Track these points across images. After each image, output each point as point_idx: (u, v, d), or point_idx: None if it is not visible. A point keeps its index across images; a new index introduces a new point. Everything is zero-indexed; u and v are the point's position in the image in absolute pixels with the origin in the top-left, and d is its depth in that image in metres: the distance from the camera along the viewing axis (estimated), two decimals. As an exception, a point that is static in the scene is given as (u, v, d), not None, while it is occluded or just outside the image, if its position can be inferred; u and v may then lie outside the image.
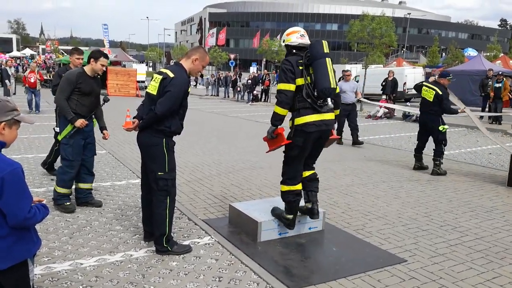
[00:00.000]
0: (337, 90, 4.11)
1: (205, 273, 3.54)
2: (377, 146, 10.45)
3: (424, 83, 7.95)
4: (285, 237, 4.35)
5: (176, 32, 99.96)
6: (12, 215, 2.08)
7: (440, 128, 7.43)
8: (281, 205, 4.61)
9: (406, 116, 16.50)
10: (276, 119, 4.01)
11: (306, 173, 4.25)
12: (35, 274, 3.24)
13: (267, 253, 4.00)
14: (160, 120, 3.69)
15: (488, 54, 39.76)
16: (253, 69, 42.50)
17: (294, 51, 4.03)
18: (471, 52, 42.33)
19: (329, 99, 3.95)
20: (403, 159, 8.82)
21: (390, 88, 17.88)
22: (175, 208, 5.01)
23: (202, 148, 9.36)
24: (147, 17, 75.57)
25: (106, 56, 4.94)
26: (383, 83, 18.38)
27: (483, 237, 4.59)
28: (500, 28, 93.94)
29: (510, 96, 16.05)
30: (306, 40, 4.06)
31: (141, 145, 3.88)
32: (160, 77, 3.71)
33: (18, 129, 2.29)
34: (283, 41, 4.17)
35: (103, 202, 5.26)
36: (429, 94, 7.46)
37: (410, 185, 6.69)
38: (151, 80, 3.87)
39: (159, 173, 3.77)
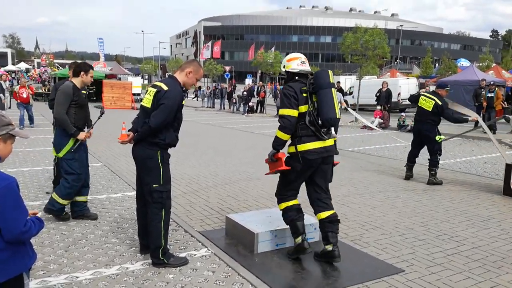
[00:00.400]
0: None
1: (202, 286, 3.51)
2: (373, 156, 10.48)
3: (421, 92, 8.03)
4: (282, 248, 4.33)
5: (171, 45, 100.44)
6: (7, 229, 2.06)
7: (437, 138, 7.49)
8: (278, 217, 4.61)
9: (401, 126, 16.59)
10: (278, 144, 3.94)
11: (325, 214, 3.96)
12: (30, 289, 3.21)
13: (265, 264, 3.98)
14: (154, 133, 3.70)
15: (480, 64, 40.16)
16: (248, 80, 42.69)
17: (296, 77, 3.99)
18: (463, 62, 42.62)
19: (332, 128, 3.98)
20: (399, 168, 8.84)
21: (385, 99, 17.97)
22: (171, 220, 5.01)
23: (198, 159, 9.34)
24: (142, 31, 75.69)
25: (93, 68, 5.07)
26: (377, 94, 18.47)
27: (480, 246, 4.59)
28: (491, 39, 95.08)
29: (503, 105, 16.18)
30: (306, 67, 4.02)
31: (136, 158, 3.88)
32: (154, 90, 3.74)
33: (13, 143, 2.28)
34: (283, 67, 4.11)
35: (99, 215, 5.23)
36: (427, 103, 7.52)
37: (406, 195, 6.71)
38: (146, 93, 3.89)
39: (153, 186, 3.77)
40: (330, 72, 3.95)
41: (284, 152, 4.06)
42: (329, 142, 3.96)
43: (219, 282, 3.58)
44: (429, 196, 6.68)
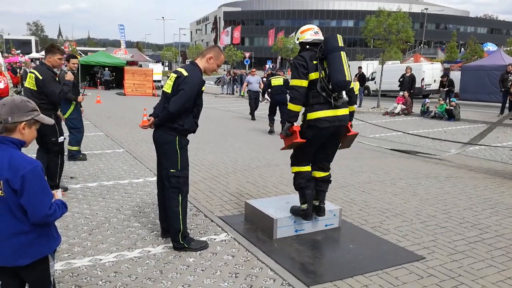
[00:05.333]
0: (352, 86, 4.08)
1: (221, 269, 3.56)
2: (394, 143, 10.33)
3: None
4: (301, 234, 4.34)
5: (191, 32, 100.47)
6: (33, 212, 2.13)
7: None
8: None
9: (424, 113, 16.28)
10: (290, 116, 4.00)
11: (321, 174, 4.25)
12: (56, 270, 3.32)
13: (283, 250, 4.00)
14: (173, 118, 3.73)
15: (508, 48, 38.90)
16: (268, 66, 42.46)
17: (307, 47, 4.03)
18: (490, 47, 41.42)
19: (344, 93, 3.89)
20: (420, 156, 8.70)
21: (408, 85, 17.63)
22: (192, 205, 5.10)
23: (217, 145, 9.39)
24: (163, 17, 76.09)
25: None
26: (401, 79, 18.14)
27: (503, 234, 4.50)
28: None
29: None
30: (320, 36, 4.05)
31: (156, 143, 3.96)
32: (175, 75, 3.78)
33: (37, 128, 2.34)
34: (297, 39, 4.19)
35: (122, 199, 5.34)
36: None
37: (428, 182, 6.61)
38: (167, 79, 3.93)
39: (171, 170, 3.82)
40: (339, 36, 3.95)
41: (299, 125, 4.08)
42: (342, 111, 3.97)
43: (239, 266, 3.62)
44: (452, 183, 6.57)
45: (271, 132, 11.74)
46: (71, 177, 6.34)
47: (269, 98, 12.69)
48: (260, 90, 14.45)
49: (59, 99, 5.46)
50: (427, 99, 17.61)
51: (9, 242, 2.15)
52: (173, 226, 3.87)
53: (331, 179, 4.36)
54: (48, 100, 5.34)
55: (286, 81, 11.38)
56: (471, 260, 3.84)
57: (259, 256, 3.81)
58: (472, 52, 35.64)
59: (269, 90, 11.94)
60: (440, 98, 17.44)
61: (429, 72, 24.13)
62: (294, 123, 4.07)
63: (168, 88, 3.82)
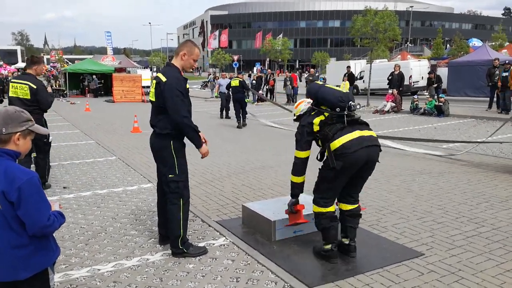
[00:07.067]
0: (343, 86, 4.01)
1: (222, 274, 3.54)
2: (385, 141, 10.36)
3: None
4: (300, 236, 4.33)
5: (178, 36, 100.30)
6: (31, 223, 2.08)
7: None
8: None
9: (413, 110, 16.40)
10: (292, 188, 3.86)
11: (348, 207, 3.79)
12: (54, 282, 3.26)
13: (283, 252, 3.99)
14: (188, 123, 3.69)
15: (493, 43, 39.40)
16: (255, 69, 42.50)
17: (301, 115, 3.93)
18: (475, 42, 41.95)
19: (352, 103, 3.58)
20: (413, 153, 8.76)
21: (397, 82, 17.74)
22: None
23: (210, 149, 9.33)
24: (150, 23, 75.79)
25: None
26: (389, 77, 18.25)
27: (499, 227, 4.54)
28: (504, 17, 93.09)
29: (519, 84, 15.85)
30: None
31: (152, 149, 3.94)
32: (155, 82, 3.78)
33: (32, 139, 2.30)
34: (294, 115, 4.02)
35: (116, 208, 5.28)
36: None
37: (422, 179, 6.64)
38: (151, 87, 3.93)
39: (169, 176, 3.79)
40: (317, 82, 3.96)
41: (304, 204, 3.99)
42: (368, 133, 3.61)
43: (239, 271, 3.60)
44: (445, 179, 6.61)
45: (239, 127, 13.63)
46: (64, 187, 6.26)
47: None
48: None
49: (50, 106, 6.06)
50: (416, 96, 17.73)
51: (7, 256, 2.10)
52: (173, 232, 3.84)
53: (361, 212, 3.89)
54: (39, 107, 5.87)
55: (241, 82, 14.11)
56: (470, 255, 3.87)
57: (259, 259, 3.80)
58: (458, 48, 36.02)
59: (231, 89, 14.41)
60: (428, 95, 17.62)
61: (416, 69, 24.34)
62: (299, 200, 3.90)
63: (152, 96, 3.83)
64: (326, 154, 3.62)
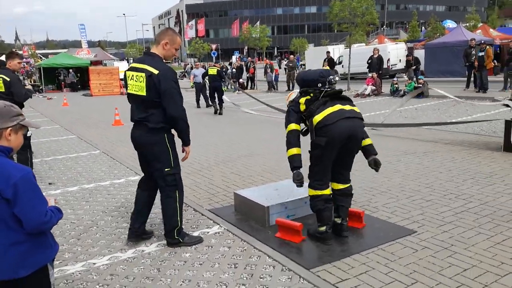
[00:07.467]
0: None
1: (219, 262, 3.54)
2: (368, 123, 10.48)
3: None
4: (294, 219, 4.35)
5: (154, 27, 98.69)
6: (28, 220, 2.03)
7: None
8: (286, 189, 4.63)
9: (393, 92, 16.59)
10: (290, 162, 3.82)
11: (339, 186, 3.87)
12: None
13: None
14: (184, 119, 3.65)
15: (467, 24, 39.97)
16: (234, 58, 42.21)
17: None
18: (450, 24, 42.51)
19: (331, 77, 3.81)
20: (396, 133, 8.88)
21: (376, 66, 17.90)
22: (180, 200, 5.02)
23: (195, 139, 9.26)
24: (124, 14, 74.34)
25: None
26: (369, 61, 18.39)
27: (487, 202, 4.65)
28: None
29: (494, 63, 16.20)
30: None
31: (140, 145, 3.74)
32: (143, 74, 3.53)
33: (24, 134, 2.23)
34: (287, 105, 4.11)
35: (106, 201, 5.21)
36: None
37: (407, 159, 6.75)
38: (129, 79, 3.67)
39: (166, 170, 3.69)
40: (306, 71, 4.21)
41: (303, 224, 3.96)
42: (348, 107, 3.72)
43: (236, 257, 3.60)
44: (430, 158, 6.73)
45: (216, 111, 14.23)
46: (50, 183, 6.14)
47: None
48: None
49: (24, 99, 6.09)
50: (395, 79, 17.93)
51: (5, 254, 2.04)
52: (170, 223, 3.79)
53: (352, 192, 3.97)
54: (14, 100, 5.80)
55: (218, 71, 14.43)
56: (461, 230, 3.96)
57: (255, 244, 3.81)
58: (434, 30, 36.40)
59: (207, 77, 14.77)
60: (407, 77, 17.84)
61: (394, 52, 24.58)
62: (301, 170, 3.80)
63: (140, 90, 3.56)
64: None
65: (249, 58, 32.10)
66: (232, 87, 23.00)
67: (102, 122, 12.97)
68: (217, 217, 4.53)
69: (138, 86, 3.59)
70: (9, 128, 2.10)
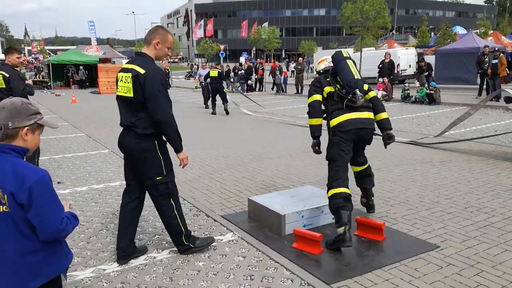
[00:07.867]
0: (371, 94, 4.28)
1: (234, 272, 3.39)
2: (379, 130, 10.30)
3: None
4: (310, 229, 4.19)
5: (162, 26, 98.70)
6: (43, 228, 1.89)
7: None
8: (302, 197, 4.50)
9: (405, 98, 16.39)
10: (311, 131, 4.27)
11: (358, 169, 4.38)
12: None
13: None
14: (172, 123, 3.36)
15: (477, 31, 39.63)
16: (242, 59, 42.09)
17: (322, 72, 4.44)
18: (459, 30, 42.18)
19: (358, 92, 3.96)
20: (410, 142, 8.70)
21: (387, 71, 17.70)
22: (191, 205, 4.91)
23: (206, 141, 9.15)
24: (133, 12, 74.56)
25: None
26: (380, 66, 18.20)
27: (509, 217, 4.47)
28: (486, 4, 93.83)
29: (508, 72, 15.98)
30: (331, 65, 4.34)
31: (129, 152, 3.49)
32: (130, 74, 3.31)
33: (41, 133, 2.11)
34: (315, 70, 4.62)
35: (115, 203, 5.08)
36: None
37: (423, 168, 6.58)
38: (118, 81, 3.45)
39: (157, 178, 3.43)
40: (344, 51, 4.30)
41: (323, 234, 3.82)
42: (366, 115, 4.07)
43: (252, 268, 3.46)
44: (447, 167, 6.56)
45: (214, 113, 14.40)
46: (58, 182, 6.02)
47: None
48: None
49: (22, 95, 5.84)
50: (406, 84, 17.72)
51: (17, 264, 1.91)
52: (174, 232, 3.62)
53: (371, 171, 4.45)
54: (13, 96, 5.63)
55: (220, 73, 14.55)
56: (486, 246, 3.79)
57: (271, 255, 3.66)
58: (445, 36, 36.14)
59: (209, 79, 14.67)
60: (419, 83, 17.62)
61: (404, 57, 24.31)
62: (320, 139, 4.28)
63: (127, 92, 3.33)
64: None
65: (258, 59, 31.92)
66: (234, 90, 22.90)
67: (110, 121, 12.86)
68: (230, 224, 4.39)
69: (126, 87, 3.35)
70: (26, 127, 1.97)
